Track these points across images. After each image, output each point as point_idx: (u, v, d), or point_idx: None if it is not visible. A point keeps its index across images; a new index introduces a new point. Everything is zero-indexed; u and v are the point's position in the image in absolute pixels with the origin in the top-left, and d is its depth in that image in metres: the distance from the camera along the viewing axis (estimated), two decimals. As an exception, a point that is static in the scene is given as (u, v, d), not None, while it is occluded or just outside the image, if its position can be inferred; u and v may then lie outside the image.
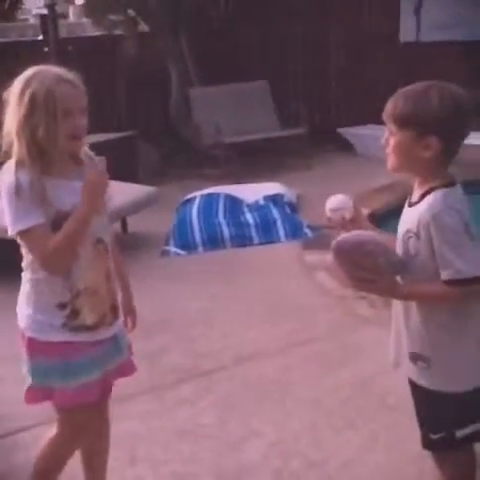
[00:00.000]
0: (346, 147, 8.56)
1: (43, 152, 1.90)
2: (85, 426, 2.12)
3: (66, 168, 1.95)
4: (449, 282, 1.81)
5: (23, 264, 2.02)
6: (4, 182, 1.90)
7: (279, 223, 5.65)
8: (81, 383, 2.00)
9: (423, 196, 1.87)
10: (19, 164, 1.91)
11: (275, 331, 3.88)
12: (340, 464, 2.65)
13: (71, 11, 15.36)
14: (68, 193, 1.92)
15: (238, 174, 7.31)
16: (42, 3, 8.56)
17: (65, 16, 13.59)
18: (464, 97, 1.84)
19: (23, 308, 2.03)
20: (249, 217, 5.77)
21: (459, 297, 1.84)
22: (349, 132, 8.63)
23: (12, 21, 12.73)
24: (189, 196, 6.21)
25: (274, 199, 6.10)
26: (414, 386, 2.01)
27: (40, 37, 8.32)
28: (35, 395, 2.06)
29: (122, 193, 5.55)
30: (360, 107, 8.79)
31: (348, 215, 2.02)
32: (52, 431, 2.14)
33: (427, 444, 2.03)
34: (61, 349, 1.99)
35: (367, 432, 2.85)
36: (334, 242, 1.86)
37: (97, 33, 9.06)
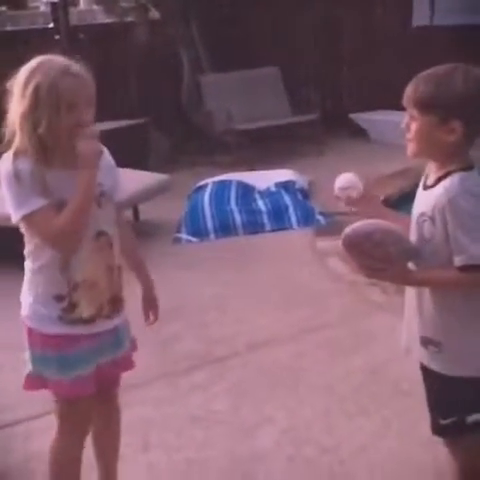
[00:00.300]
0: (358, 133, 8.50)
1: (45, 145, 1.87)
2: (81, 418, 2.09)
3: (70, 160, 1.90)
4: (462, 268, 1.79)
5: (25, 252, 2.00)
6: (2, 171, 1.88)
7: (291, 210, 5.63)
8: (76, 375, 1.98)
9: (439, 179, 1.84)
10: (19, 154, 1.88)
11: (288, 317, 3.88)
12: (353, 450, 2.65)
13: (82, -2, 15.33)
14: (71, 183, 1.89)
15: (250, 161, 7.29)
16: (53, -10, 8.53)
17: (76, 3, 13.55)
18: None
19: (25, 297, 2.02)
20: (261, 204, 5.76)
21: (473, 283, 1.82)
22: (361, 117, 8.58)
23: (23, 9, 12.73)
24: (201, 183, 6.20)
25: (286, 186, 6.08)
26: (425, 370, 2.00)
27: (51, 25, 8.31)
28: (32, 383, 2.05)
29: (134, 181, 5.55)
30: (372, 92, 8.74)
31: (355, 194, 2.00)
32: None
33: (437, 429, 2.02)
34: (57, 342, 1.97)
35: (380, 418, 2.85)
36: (343, 234, 1.85)
37: (108, 20, 9.02)
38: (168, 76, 8.41)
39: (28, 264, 2.00)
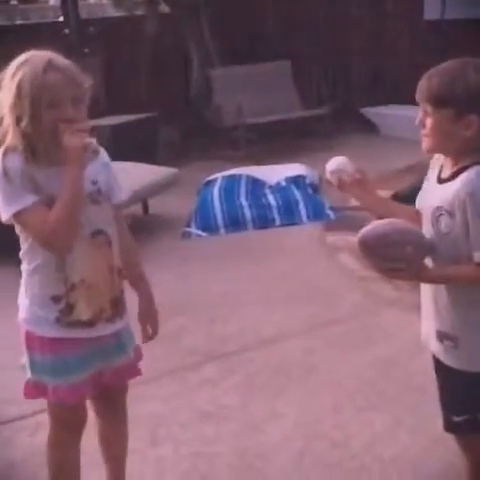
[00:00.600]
0: (369, 127, 8.47)
1: (28, 141, 1.84)
2: (74, 420, 2.06)
3: (57, 156, 1.85)
4: None
5: (20, 254, 1.96)
6: None
7: (301, 205, 5.61)
8: (74, 380, 1.95)
9: (456, 173, 1.82)
10: (9, 150, 1.84)
11: (297, 313, 3.86)
12: (363, 445, 2.64)
13: (92, -8, 15.32)
14: (60, 180, 1.84)
15: (259, 155, 7.27)
16: (62, -16, 8.51)
17: (86, -3, 13.54)
18: None
19: (22, 299, 1.98)
20: (271, 199, 5.74)
21: None
22: (372, 112, 8.54)
23: (33, 3, 12.73)
24: (210, 178, 6.19)
25: (296, 180, 6.05)
26: (439, 365, 1.98)
27: (61, 18, 8.31)
28: (32, 390, 2.01)
29: (143, 175, 5.55)
30: (383, 87, 8.69)
31: (346, 177, 1.98)
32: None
33: (450, 426, 2.00)
34: (54, 345, 1.93)
35: (390, 413, 2.83)
36: (359, 237, 1.82)
37: (118, 14, 9.03)
38: (178, 70, 8.41)
39: (24, 265, 1.96)
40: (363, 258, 1.88)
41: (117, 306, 2.00)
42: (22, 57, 1.87)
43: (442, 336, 1.91)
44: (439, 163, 1.92)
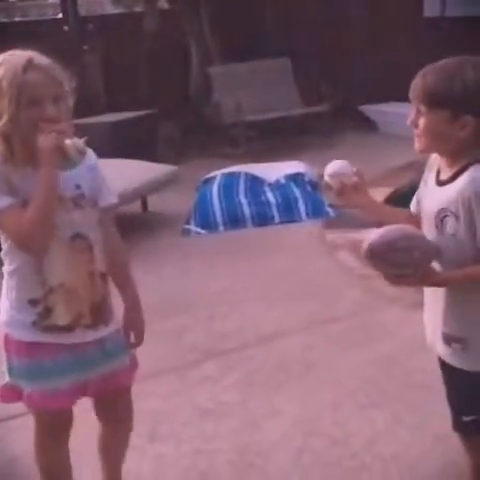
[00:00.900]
0: (368, 125, 8.47)
1: (6, 141, 1.81)
2: (57, 426, 2.04)
3: (34, 157, 1.81)
4: None
5: (1, 254, 1.93)
6: None
7: (300, 202, 5.61)
8: (50, 388, 1.91)
9: (456, 174, 1.79)
10: None
11: (297, 310, 3.86)
12: (363, 443, 2.63)
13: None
14: (36, 182, 1.81)
15: (259, 153, 7.27)
16: (62, -19, 8.49)
17: (85, -6, 13.50)
18: None
19: (3, 301, 1.95)
20: (270, 196, 5.74)
21: None
22: (371, 109, 8.54)
23: (32, 0, 12.69)
24: (210, 175, 6.18)
25: (295, 178, 6.05)
26: (446, 367, 1.96)
27: (60, 15, 8.30)
28: (8, 394, 1.97)
29: (142, 172, 5.55)
30: (382, 84, 8.67)
31: (346, 181, 1.95)
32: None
33: (458, 426, 1.98)
34: (30, 350, 1.89)
35: (390, 411, 2.82)
36: (365, 245, 1.78)
37: (117, 11, 9.01)
38: (177, 67, 8.40)
39: (5, 267, 1.92)
40: (370, 265, 1.83)
41: (99, 312, 1.96)
42: (1, 57, 1.83)
43: (449, 339, 1.88)
44: (436, 165, 1.89)
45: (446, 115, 1.73)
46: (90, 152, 1.99)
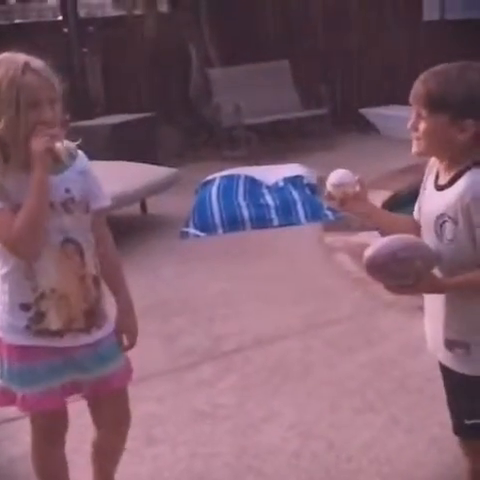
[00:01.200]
0: (368, 128, 8.47)
1: (3, 145, 1.79)
2: (53, 427, 2.04)
3: (29, 162, 1.81)
4: None
5: None
6: None
7: (299, 205, 5.61)
8: (42, 390, 1.90)
9: (454, 179, 1.79)
10: None
11: (295, 312, 3.86)
12: (360, 446, 2.63)
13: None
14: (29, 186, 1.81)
15: (258, 155, 7.27)
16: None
17: (85, -3, 13.51)
18: None
19: None
20: (269, 199, 5.74)
21: None
22: (372, 113, 8.54)
23: (31, 1, 12.70)
24: (209, 177, 6.19)
25: (294, 181, 6.05)
26: (447, 372, 1.95)
27: (60, 18, 8.30)
28: (1, 398, 1.97)
29: (142, 174, 5.55)
30: (383, 87, 8.69)
31: (351, 191, 1.92)
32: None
33: (459, 430, 1.97)
34: (22, 354, 1.89)
35: (387, 414, 2.82)
36: (365, 258, 1.77)
37: (117, 13, 9.02)
38: (177, 69, 8.40)
39: None
40: (371, 277, 1.81)
41: (92, 316, 1.95)
42: None
43: (452, 344, 1.87)
44: (435, 169, 1.89)
45: (446, 119, 1.74)
46: (81, 155, 1.98)
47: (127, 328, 2.08)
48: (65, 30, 7.92)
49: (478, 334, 1.84)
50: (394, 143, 7.02)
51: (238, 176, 6.09)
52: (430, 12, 8.90)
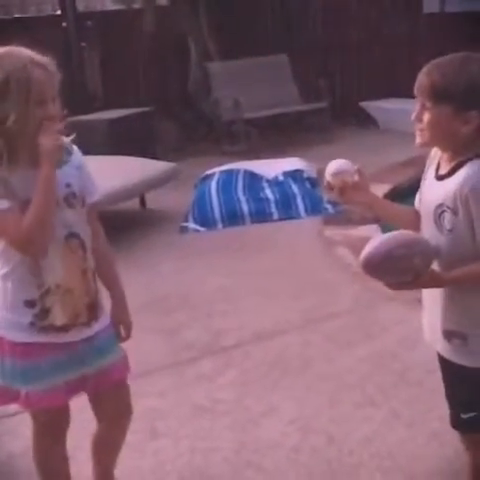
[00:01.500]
0: (368, 121, 8.45)
1: (11, 141, 1.78)
2: (55, 423, 2.04)
3: (36, 158, 1.80)
4: None
5: None
6: None
7: (299, 199, 5.60)
8: (47, 386, 1.91)
9: (454, 169, 1.79)
10: None
11: (295, 307, 3.86)
12: (360, 440, 2.63)
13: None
14: (36, 183, 1.80)
15: (258, 150, 7.26)
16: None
17: (84, -9, 13.47)
18: None
19: None
20: (269, 193, 5.73)
21: None
22: (371, 106, 8.52)
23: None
24: (208, 172, 6.18)
25: (294, 175, 6.04)
26: (445, 364, 1.95)
27: (58, 12, 8.28)
28: (2, 396, 1.97)
29: (141, 169, 5.54)
30: (382, 80, 8.67)
31: (349, 180, 1.93)
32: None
33: (457, 423, 1.98)
34: (26, 350, 1.89)
35: (387, 408, 2.82)
36: (361, 257, 1.76)
37: (116, 7, 8.99)
38: (176, 64, 8.38)
39: None
40: (370, 277, 1.81)
41: (94, 309, 1.97)
42: None
43: (450, 335, 1.87)
44: (436, 160, 1.89)
45: (451, 110, 1.74)
46: (76, 150, 1.98)
47: (123, 320, 2.11)
48: (64, 24, 7.90)
49: (476, 325, 1.85)
50: (394, 136, 7.02)
51: (238, 170, 6.09)
52: (430, 4, 8.87)
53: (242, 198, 5.61)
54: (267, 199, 5.63)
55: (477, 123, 1.74)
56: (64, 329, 1.91)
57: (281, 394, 3.00)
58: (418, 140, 1.83)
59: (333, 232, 4.95)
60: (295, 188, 5.76)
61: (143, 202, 5.87)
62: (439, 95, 1.74)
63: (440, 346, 1.93)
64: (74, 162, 1.95)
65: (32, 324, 1.88)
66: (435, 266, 1.84)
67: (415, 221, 1.93)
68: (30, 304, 1.88)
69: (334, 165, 1.95)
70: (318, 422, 2.78)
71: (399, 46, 8.77)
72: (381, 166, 6.19)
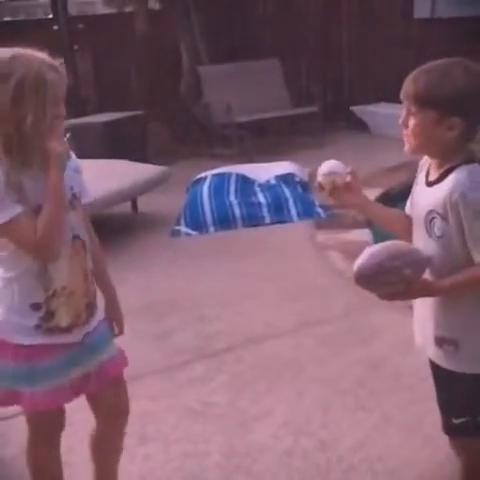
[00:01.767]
0: (359, 125, 8.47)
1: (26, 143, 1.77)
2: (52, 425, 2.04)
3: (46, 160, 1.81)
4: None
5: None
6: None
7: (291, 203, 5.60)
8: (52, 387, 1.92)
9: (443, 175, 1.80)
10: None
11: (287, 311, 3.85)
12: (352, 445, 2.63)
13: (81, -11, 15.23)
14: (46, 187, 1.81)
15: (250, 153, 7.26)
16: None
17: (75, -6, 13.45)
18: None
19: None
20: (261, 197, 5.73)
21: None
22: (362, 110, 8.54)
23: (21, 0, 12.64)
24: (200, 176, 6.16)
25: (286, 178, 6.04)
26: (437, 370, 1.95)
27: (50, 15, 8.26)
28: (4, 398, 1.96)
29: (133, 172, 5.53)
30: (373, 85, 8.70)
31: (339, 181, 1.94)
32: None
33: (449, 429, 1.98)
34: (31, 353, 1.89)
35: (379, 413, 2.82)
36: (354, 271, 1.78)
37: (107, 11, 8.98)
38: (168, 67, 8.38)
39: (0, 274, 1.89)
40: (362, 288, 1.82)
41: (92, 310, 2.00)
42: (3, 56, 1.77)
43: (441, 341, 1.88)
44: (426, 166, 1.90)
45: (435, 116, 1.74)
46: (72, 153, 1.98)
47: (116, 316, 2.15)
48: (55, 28, 7.89)
49: (467, 331, 1.85)
50: (384, 141, 7.03)
51: (229, 174, 6.08)
52: (421, 9, 8.89)
53: (234, 202, 5.61)
54: (259, 203, 5.62)
55: (461, 129, 1.75)
56: (68, 330, 1.93)
57: (273, 398, 3.00)
58: (406, 146, 1.84)
59: (325, 236, 4.96)
60: (287, 192, 5.76)
61: (135, 206, 5.86)
62: (423, 101, 1.75)
63: (431, 352, 1.94)
64: (72, 165, 1.96)
65: (38, 327, 1.89)
66: (427, 275, 1.84)
67: (407, 225, 1.93)
68: (36, 307, 1.88)
69: (326, 166, 1.97)
70: (310, 426, 2.78)
71: (390, 51, 8.79)
72: (372, 170, 6.20)
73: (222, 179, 5.98)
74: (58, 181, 1.81)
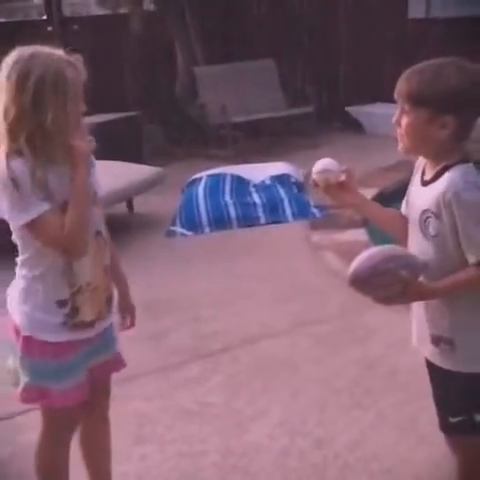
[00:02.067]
0: (354, 126, 8.47)
1: (49, 140, 1.78)
2: (70, 423, 2.06)
3: (69, 156, 1.84)
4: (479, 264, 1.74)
5: (18, 260, 1.92)
6: None
7: (286, 203, 5.60)
8: (76, 382, 1.95)
9: (438, 174, 1.80)
10: (12, 155, 1.77)
11: (283, 311, 3.86)
12: (348, 444, 2.64)
13: (76, -10, 15.22)
14: (72, 183, 1.84)
15: (245, 154, 7.26)
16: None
17: (70, -5, 13.44)
18: None
19: (18, 305, 1.93)
20: (256, 197, 5.73)
21: None
22: (357, 110, 8.55)
23: (16, 1, 12.63)
24: (195, 176, 6.16)
25: (281, 179, 6.04)
26: (433, 368, 1.96)
27: (44, 17, 8.25)
28: (31, 395, 1.98)
29: (128, 173, 5.53)
30: (368, 85, 8.70)
31: (333, 178, 1.95)
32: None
33: (445, 427, 1.98)
34: (57, 349, 1.92)
35: (375, 412, 2.83)
36: (349, 274, 1.78)
37: (102, 12, 8.99)
38: (163, 68, 8.38)
39: (22, 271, 1.91)
40: (357, 291, 1.82)
41: (111, 304, 2.04)
42: (22, 54, 1.79)
43: (438, 340, 1.88)
44: (422, 166, 1.90)
45: (427, 114, 1.75)
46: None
47: (130, 308, 2.19)
48: (49, 29, 7.88)
49: (463, 331, 1.85)
50: (380, 141, 7.02)
51: (225, 174, 6.08)
52: (415, 10, 8.90)
53: (229, 202, 5.61)
54: (254, 203, 5.62)
55: (454, 128, 1.75)
56: (91, 325, 1.95)
57: (269, 398, 3.00)
58: (400, 145, 1.85)
59: (320, 236, 4.96)
60: (282, 192, 5.76)
61: (130, 206, 5.85)
62: (416, 99, 1.75)
63: (428, 351, 1.94)
64: (90, 161, 1.98)
65: (64, 323, 1.91)
66: (422, 278, 1.84)
67: (403, 225, 1.94)
68: (62, 304, 1.90)
69: (320, 163, 1.98)
70: (306, 426, 2.78)
71: (385, 51, 8.80)
72: (367, 170, 6.20)
73: (217, 180, 5.98)
74: (85, 179, 1.85)
